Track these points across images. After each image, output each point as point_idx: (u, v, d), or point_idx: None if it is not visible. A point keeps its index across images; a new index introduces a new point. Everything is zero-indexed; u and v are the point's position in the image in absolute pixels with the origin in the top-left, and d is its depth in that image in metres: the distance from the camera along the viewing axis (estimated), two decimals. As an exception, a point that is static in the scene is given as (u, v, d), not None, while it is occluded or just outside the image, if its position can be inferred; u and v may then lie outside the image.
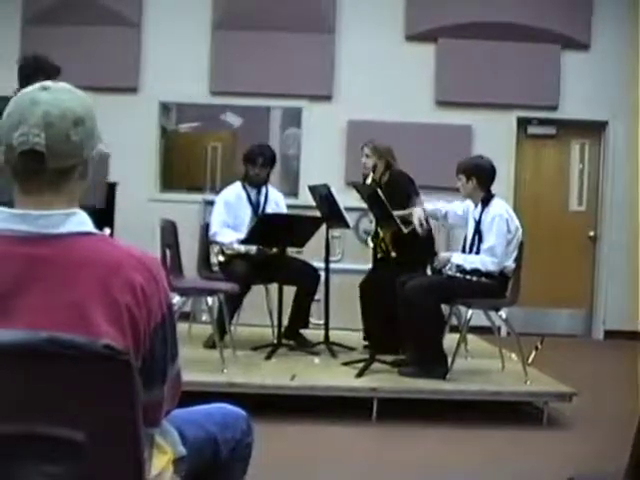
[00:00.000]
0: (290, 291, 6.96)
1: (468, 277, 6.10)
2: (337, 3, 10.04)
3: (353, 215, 7.90)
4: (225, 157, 10.34)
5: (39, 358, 1.83)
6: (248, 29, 9.79)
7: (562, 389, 6.06)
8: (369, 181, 6.86)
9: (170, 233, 6.67)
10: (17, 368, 1.83)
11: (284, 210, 7.29)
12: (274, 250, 6.89)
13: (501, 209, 6.25)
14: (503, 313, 6.35)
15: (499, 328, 7.16)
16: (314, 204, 7.18)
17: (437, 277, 6.22)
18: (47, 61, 5.92)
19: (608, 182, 10.25)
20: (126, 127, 9.24)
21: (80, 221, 2.00)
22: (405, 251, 6.49)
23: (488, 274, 6.11)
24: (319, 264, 7.21)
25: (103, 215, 4.86)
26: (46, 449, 1.87)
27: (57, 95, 1.98)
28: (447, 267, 6.19)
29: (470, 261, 6.15)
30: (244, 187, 7.19)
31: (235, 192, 7.19)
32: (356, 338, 7.09)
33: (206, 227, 7.30)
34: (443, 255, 6.32)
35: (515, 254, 6.22)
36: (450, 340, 6.41)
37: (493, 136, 9.84)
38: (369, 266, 7.22)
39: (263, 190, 7.19)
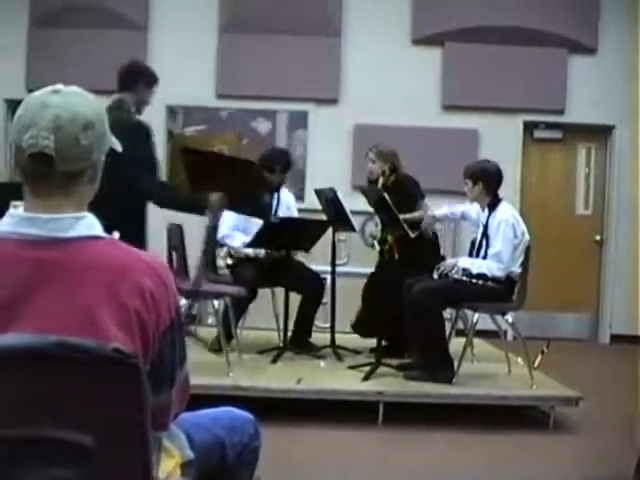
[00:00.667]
0: (296, 294, 6.97)
1: (474, 281, 6.10)
2: (343, 6, 10.05)
3: (359, 219, 7.90)
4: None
5: (48, 362, 1.83)
6: (255, 32, 9.81)
7: (568, 393, 6.05)
8: (379, 186, 6.84)
9: (177, 236, 6.69)
10: (26, 371, 1.83)
11: (295, 213, 7.27)
12: (281, 252, 6.88)
13: (507, 214, 6.24)
14: (509, 317, 6.35)
15: (505, 332, 7.15)
16: (320, 208, 7.18)
17: (443, 281, 6.21)
18: (148, 68, 5.90)
19: (614, 186, 10.24)
20: (132, 130, 9.23)
21: (89, 225, 2.00)
22: (411, 254, 6.50)
23: (494, 278, 6.10)
24: (325, 267, 7.21)
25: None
26: (54, 452, 1.88)
27: (68, 99, 1.98)
28: (453, 271, 6.19)
29: (477, 265, 6.15)
30: None
31: None
32: (362, 342, 7.08)
33: (211, 230, 7.27)
34: (450, 260, 6.32)
35: (522, 259, 6.21)
36: (456, 344, 6.40)
37: (499, 140, 9.84)
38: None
39: (275, 194, 7.16)
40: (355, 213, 7.14)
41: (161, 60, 9.88)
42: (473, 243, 6.50)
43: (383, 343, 6.60)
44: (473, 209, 6.62)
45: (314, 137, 10.05)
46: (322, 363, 6.61)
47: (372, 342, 6.89)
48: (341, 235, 7.97)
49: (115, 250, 2.01)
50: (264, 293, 7.13)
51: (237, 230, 6.98)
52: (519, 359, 6.72)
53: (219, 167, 5.68)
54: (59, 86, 2.02)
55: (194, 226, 6.43)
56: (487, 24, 9.91)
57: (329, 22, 9.98)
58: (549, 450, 5.42)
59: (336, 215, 6.90)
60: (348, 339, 7.15)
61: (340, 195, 6.86)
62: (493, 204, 6.29)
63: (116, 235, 2.09)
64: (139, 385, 1.86)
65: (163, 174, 9.87)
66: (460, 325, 6.82)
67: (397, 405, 5.82)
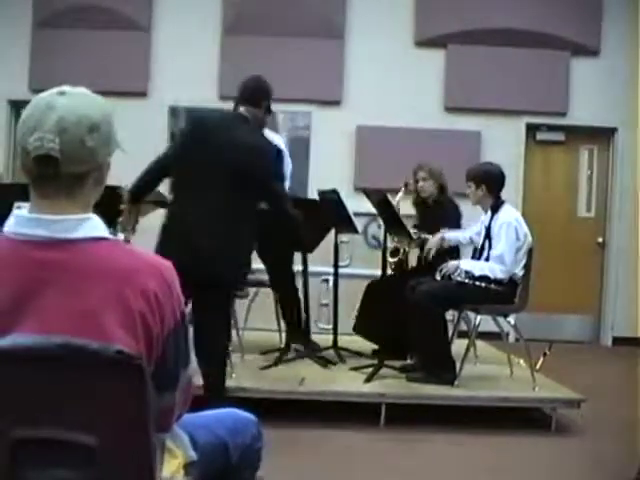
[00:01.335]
0: (300, 296, 6.96)
1: (477, 283, 6.10)
2: (346, 8, 10.06)
3: (362, 220, 7.90)
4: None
5: (52, 363, 1.84)
6: (258, 34, 9.82)
7: (570, 395, 6.06)
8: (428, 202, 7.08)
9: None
10: (30, 372, 1.84)
11: (284, 152, 6.79)
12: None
13: (510, 216, 6.24)
14: (512, 319, 6.36)
15: (507, 334, 7.17)
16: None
17: (446, 283, 6.21)
18: (266, 82, 5.61)
19: (617, 188, 10.25)
20: (135, 131, 9.20)
21: (94, 226, 2.00)
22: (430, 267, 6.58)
23: (497, 280, 6.10)
24: (327, 269, 7.20)
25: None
26: (58, 453, 1.88)
27: (74, 101, 1.98)
28: (456, 273, 6.19)
29: (479, 268, 6.14)
30: None
31: None
32: (365, 343, 7.08)
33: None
34: (452, 262, 6.32)
35: (524, 261, 6.21)
36: (459, 346, 6.40)
37: (502, 142, 9.85)
38: (378, 271, 7.21)
39: None
40: (357, 215, 7.13)
41: (164, 61, 9.94)
42: (475, 246, 6.51)
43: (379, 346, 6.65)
44: (477, 227, 6.58)
45: (317, 139, 10.05)
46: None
47: (374, 344, 6.91)
48: (343, 237, 7.97)
49: (120, 252, 2.01)
50: (266, 293, 7.14)
51: None
52: (521, 361, 6.73)
53: None
54: (66, 87, 2.02)
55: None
56: (490, 26, 9.92)
57: (332, 24, 9.99)
58: (551, 452, 5.42)
59: (339, 217, 6.89)
60: (350, 340, 7.15)
61: (343, 196, 6.85)
62: (496, 206, 6.30)
63: (121, 237, 2.10)
64: (143, 386, 1.87)
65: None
66: (462, 327, 6.81)
67: (399, 407, 5.82)
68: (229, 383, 5.28)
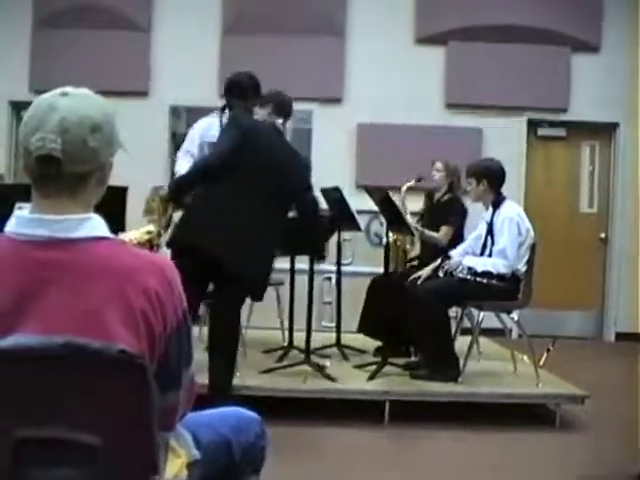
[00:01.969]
0: (302, 294, 6.93)
1: (479, 279, 6.10)
2: (347, 6, 10.05)
3: (364, 218, 7.91)
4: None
5: (55, 362, 1.84)
6: (258, 33, 9.81)
7: (574, 391, 6.06)
8: (435, 200, 7.21)
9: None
10: (33, 372, 1.84)
11: None
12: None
13: (512, 212, 6.24)
14: (515, 315, 6.35)
15: (511, 330, 7.16)
16: (324, 207, 7.17)
17: (449, 279, 6.21)
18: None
19: (619, 184, 10.24)
20: (136, 131, 9.17)
21: (95, 226, 2.00)
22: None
23: (500, 276, 6.10)
24: (330, 267, 7.19)
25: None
26: (61, 453, 1.89)
27: (76, 101, 1.99)
28: (458, 269, 6.18)
29: (482, 264, 6.14)
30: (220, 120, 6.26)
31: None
32: (368, 341, 7.08)
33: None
34: (455, 259, 6.32)
35: (527, 257, 6.21)
36: (462, 342, 6.40)
37: (503, 138, 9.84)
38: (380, 269, 7.20)
39: None
40: (359, 212, 7.14)
41: (164, 61, 9.94)
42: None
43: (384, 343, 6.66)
44: (477, 234, 6.56)
45: (318, 136, 10.04)
46: (327, 362, 6.60)
47: (377, 341, 6.91)
48: (346, 235, 7.97)
49: (121, 251, 2.02)
50: (268, 292, 7.13)
51: None
52: (525, 357, 6.71)
53: None
54: (68, 88, 2.03)
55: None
56: (490, 23, 9.92)
57: (332, 22, 9.99)
58: (555, 448, 5.42)
59: (341, 214, 6.89)
60: (354, 338, 7.15)
61: (345, 194, 6.86)
62: (497, 202, 6.30)
63: (123, 236, 2.11)
64: (145, 385, 1.87)
65: (165, 173, 9.94)
66: (466, 324, 6.81)
67: (403, 404, 5.83)
68: (233, 381, 5.30)
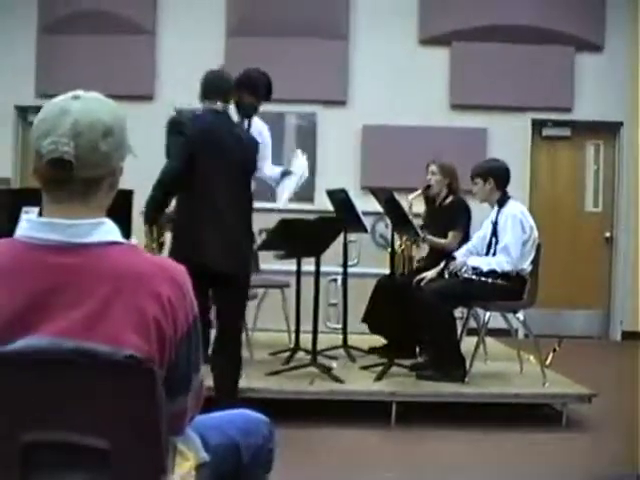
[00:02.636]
0: (308, 296, 6.93)
1: (484, 279, 6.10)
2: (351, 9, 10.07)
3: (369, 219, 7.89)
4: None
5: (64, 367, 1.86)
6: (262, 36, 9.82)
7: (581, 391, 6.06)
8: (437, 205, 7.06)
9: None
10: (42, 376, 1.86)
11: (268, 141, 6.83)
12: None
13: (515, 210, 6.25)
14: (521, 315, 6.35)
15: (517, 330, 7.16)
16: (330, 209, 7.18)
17: (454, 280, 6.22)
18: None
19: (624, 183, 10.24)
20: (142, 135, 9.11)
21: (108, 230, 2.00)
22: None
23: (505, 275, 6.10)
24: (336, 269, 7.19)
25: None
26: (70, 457, 1.90)
27: (88, 105, 1.99)
28: (463, 270, 6.19)
29: (486, 263, 6.15)
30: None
31: None
32: (374, 342, 7.07)
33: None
34: (460, 259, 6.32)
35: (532, 256, 6.21)
36: (468, 343, 6.41)
37: (508, 138, 9.85)
38: (386, 270, 7.20)
39: (247, 120, 6.52)
40: (364, 214, 7.13)
41: (169, 64, 9.96)
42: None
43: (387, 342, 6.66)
44: (483, 235, 6.55)
45: (323, 138, 10.05)
46: (334, 363, 6.61)
47: (381, 338, 6.93)
48: (351, 236, 7.97)
49: (134, 256, 2.02)
50: (274, 293, 7.15)
51: None
52: (531, 357, 6.72)
53: None
54: (79, 92, 2.03)
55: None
56: (494, 23, 9.93)
57: (336, 24, 10.00)
58: (562, 447, 5.42)
59: (347, 216, 6.89)
60: (360, 339, 7.15)
61: (351, 196, 6.86)
62: (502, 201, 6.31)
63: (134, 241, 2.11)
64: (154, 390, 1.88)
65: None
66: (472, 324, 6.82)
67: (410, 405, 5.84)
68: (240, 383, 5.30)
